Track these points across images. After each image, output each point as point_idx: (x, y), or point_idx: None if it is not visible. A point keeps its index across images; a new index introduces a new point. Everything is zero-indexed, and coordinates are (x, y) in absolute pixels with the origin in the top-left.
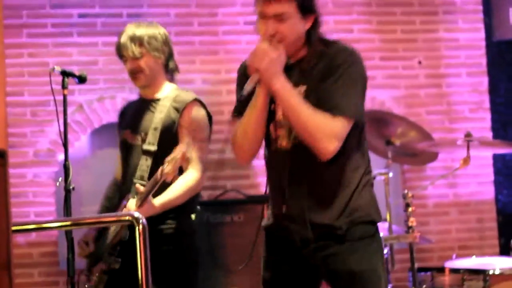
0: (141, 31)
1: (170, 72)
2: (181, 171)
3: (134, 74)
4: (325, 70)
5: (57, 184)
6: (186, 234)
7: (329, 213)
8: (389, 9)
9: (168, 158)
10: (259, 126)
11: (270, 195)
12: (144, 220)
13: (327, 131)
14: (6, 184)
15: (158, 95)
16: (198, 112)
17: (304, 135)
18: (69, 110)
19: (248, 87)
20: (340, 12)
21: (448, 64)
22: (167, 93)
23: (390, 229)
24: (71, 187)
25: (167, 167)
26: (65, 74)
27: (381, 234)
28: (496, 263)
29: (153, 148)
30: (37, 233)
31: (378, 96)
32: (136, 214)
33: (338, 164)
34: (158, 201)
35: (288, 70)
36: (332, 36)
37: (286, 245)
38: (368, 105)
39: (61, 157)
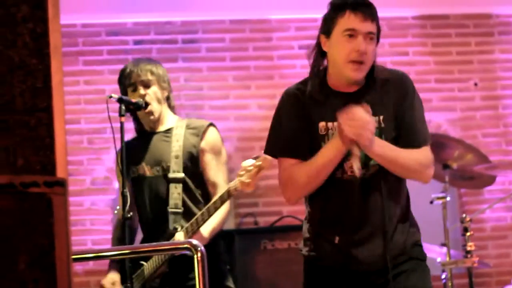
0: (151, 63)
1: (171, 108)
2: (204, 196)
3: (146, 102)
4: (395, 97)
5: (115, 212)
6: (220, 256)
7: (398, 237)
8: (444, 31)
9: (243, 168)
10: (328, 173)
11: (329, 221)
12: (202, 248)
13: (425, 162)
14: (66, 214)
15: (165, 126)
16: (217, 136)
17: (407, 173)
18: (126, 137)
19: (356, 166)
20: (395, 34)
21: (504, 85)
22: (175, 123)
23: (448, 254)
24: (128, 215)
25: (244, 176)
26: (122, 101)
27: (439, 259)
28: None
29: (180, 175)
30: (94, 262)
31: (434, 119)
32: (195, 242)
33: (399, 191)
34: (206, 230)
35: (357, 94)
36: (387, 59)
37: (338, 275)
38: None
39: (118, 184)
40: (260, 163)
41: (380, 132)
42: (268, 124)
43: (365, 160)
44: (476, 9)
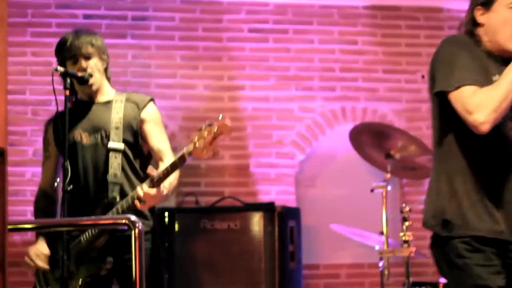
0: (90, 35)
1: (108, 79)
2: (143, 168)
3: (90, 74)
4: None
5: (55, 184)
6: (157, 233)
7: None
8: (394, 22)
9: (197, 135)
10: None
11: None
12: (140, 224)
13: None
14: (4, 183)
15: (105, 98)
16: (157, 111)
17: None
18: None
19: None
20: (345, 23)
21: None
22: (114, 95)
23: (386, 242)
24: (69, 188)
25: (198, 141)
26: (67, 75)
27: (377, 247)
28: None
29: (121, 145)
30: (32, 232)
31: (379, 109)
32: (133, 218)
33: None
34: (165, 186)
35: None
36: (336, 47)
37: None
38: (369, 117)
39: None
40: (216, 130)
41: None
42: (214, 104)
43: None
44: (427, 2)
